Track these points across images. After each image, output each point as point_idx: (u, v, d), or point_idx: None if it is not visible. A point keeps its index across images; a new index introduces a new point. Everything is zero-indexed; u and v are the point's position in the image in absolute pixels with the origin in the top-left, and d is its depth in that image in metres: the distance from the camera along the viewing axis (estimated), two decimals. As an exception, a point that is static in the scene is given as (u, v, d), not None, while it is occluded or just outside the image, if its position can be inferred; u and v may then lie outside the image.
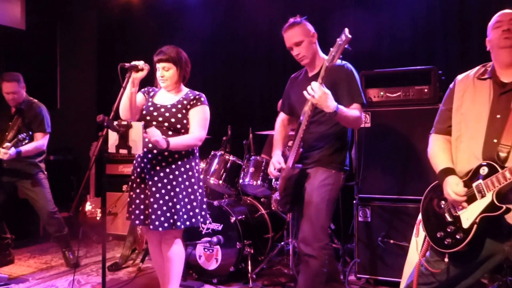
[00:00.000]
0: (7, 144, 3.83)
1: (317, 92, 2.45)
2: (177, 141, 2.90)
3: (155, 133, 2.77)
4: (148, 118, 2.99)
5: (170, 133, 2.95)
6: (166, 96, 3.08)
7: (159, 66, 2.98)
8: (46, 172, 4.34)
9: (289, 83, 3.14)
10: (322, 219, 2.76)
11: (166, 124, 2.96)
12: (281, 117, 3.20)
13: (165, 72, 2.97)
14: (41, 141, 4.17)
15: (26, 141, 3.93)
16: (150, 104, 3.04)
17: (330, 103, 2.48)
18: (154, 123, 2.96)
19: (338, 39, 2.38)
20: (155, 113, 2.98)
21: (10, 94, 4.15)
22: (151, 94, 3.11)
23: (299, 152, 2.76)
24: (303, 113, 2.72)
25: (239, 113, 5.26)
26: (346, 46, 2.36)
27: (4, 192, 4.26)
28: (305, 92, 2.50)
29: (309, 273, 2.77)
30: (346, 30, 2.34)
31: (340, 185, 2.90)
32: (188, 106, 3.02)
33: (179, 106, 3.00)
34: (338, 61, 2.65)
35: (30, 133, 4.02)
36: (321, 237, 2.76)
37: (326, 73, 2.49)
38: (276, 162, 2.93)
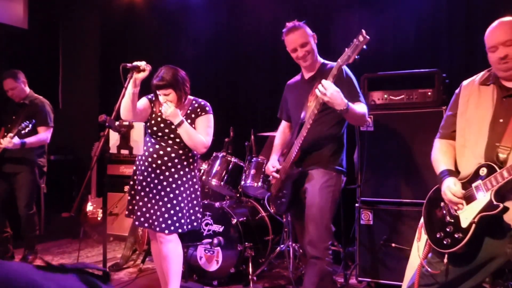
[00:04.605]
0: (10, 134, 3.91)
1: (329, 89, 2.47)
2: (188, 129, 2.98)
3: (174, 111, 2.91)
4: (159, 134, 3.07)
5: (182, 145, 3.04)
6: None
7: (159, 92, 3.01)
8: (44, 169, 4.36)
9: (286, 90, 3.17)
10: (326, 220, 2.81)
11: (177, 140, 3.05)
12: (283, 124, 3.25)
13: (167, 97, 3.00)
14: (44, 134, 4.23)
15: (29, 128, 3.98)
16: (159, 120, 3.07)
17: (341, 101, 2.51)
18: (166, 137, 3.05)
19: (355, 40, 2.41)
20: (166, 130, 3.06)
21: (9, 91, 4.28)
22: (159, 107, 3.10)
23: (299, 152, 2.78)
24: (304, 111, 2.73)
25: (241, 115, 5.24)
26: (364, 47, 2.39)
27: (5, 183, 4.27)
28: (316, 90, 2.51)
29: (317, 274, 2.81)
30: (363, 31, 2.38)
31: (341, 187, 2.94)
32: (195, 118, 3.10)
33: (189, 121, 3.06)
34: (335, 64, 2.65)
35: (33, 121, 4.06)
36: (326, 237, 2.82)
37: (338, 72, 2.52)
38: (271, 166, 3.00)
